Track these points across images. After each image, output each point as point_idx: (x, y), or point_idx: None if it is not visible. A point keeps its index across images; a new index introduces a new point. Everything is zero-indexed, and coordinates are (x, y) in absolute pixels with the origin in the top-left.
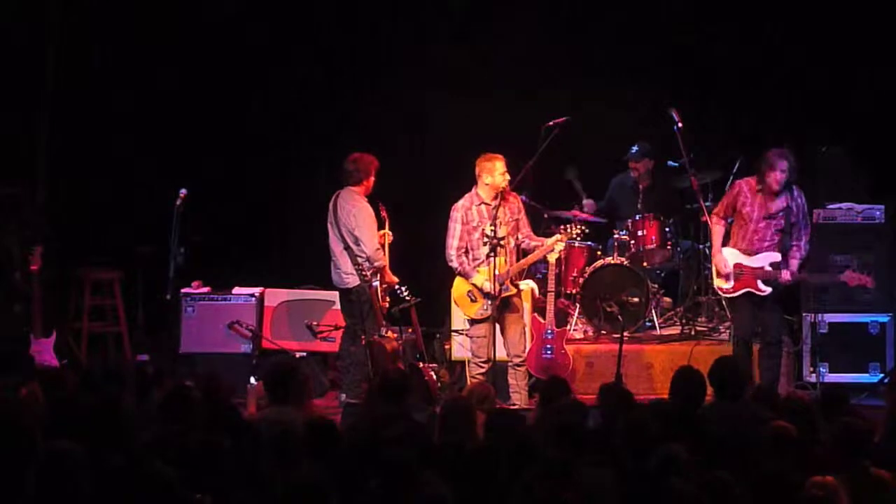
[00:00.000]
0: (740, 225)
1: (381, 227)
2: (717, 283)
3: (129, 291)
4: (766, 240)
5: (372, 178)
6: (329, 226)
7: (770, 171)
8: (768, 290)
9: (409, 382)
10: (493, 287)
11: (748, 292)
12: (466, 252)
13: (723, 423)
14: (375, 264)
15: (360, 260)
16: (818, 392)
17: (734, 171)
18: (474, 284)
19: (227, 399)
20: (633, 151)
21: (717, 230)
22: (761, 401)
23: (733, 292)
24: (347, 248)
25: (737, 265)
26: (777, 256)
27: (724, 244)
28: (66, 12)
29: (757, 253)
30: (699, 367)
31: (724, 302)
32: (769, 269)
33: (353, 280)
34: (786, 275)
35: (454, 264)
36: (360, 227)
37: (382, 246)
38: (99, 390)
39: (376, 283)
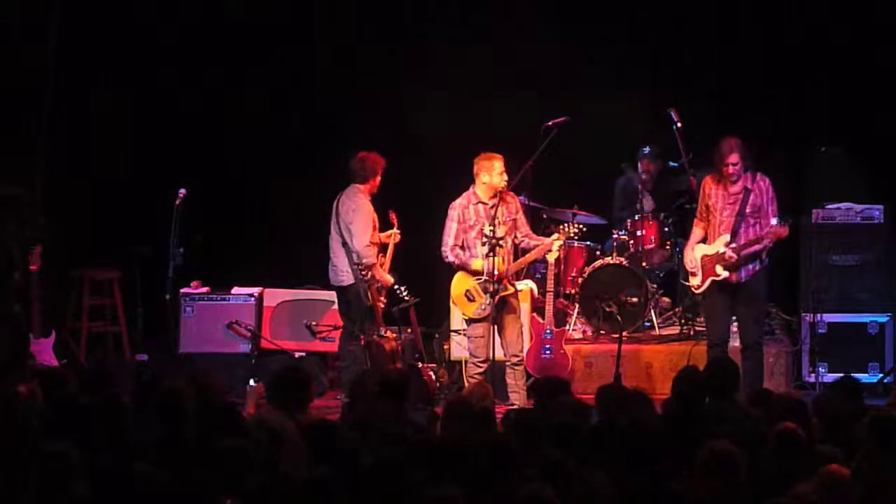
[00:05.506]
0: (710, 219)
1: (389, 227)
2: (690, 281)
3: (129, 291)
4: (728, 227)
5: (378, 178)
6: (332, 224)
7: (722, 163)
8: (724, 273)
9: (409, 383)
10: (491, 286)
11: (715, 284)
12: (462, 250)
13: (717, 422)
14: (364, 260)
15: (355, 257)
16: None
17: None
18: (475, 270)
19: (221, 397)
20: (647, 152)
21: (694, 231)
22: (756, 401)
23: (702, 286)
24: (345, 244)
25: (702, 257)
26: (728, 237)
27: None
28: (67, 12)
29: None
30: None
31: (699, 307)
32: (723, 250)
33: (347, 278)
34: (728, 252)
35: (450, 259)
36: (354, 223)
37: (386, 246)
38: (97, 391)
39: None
